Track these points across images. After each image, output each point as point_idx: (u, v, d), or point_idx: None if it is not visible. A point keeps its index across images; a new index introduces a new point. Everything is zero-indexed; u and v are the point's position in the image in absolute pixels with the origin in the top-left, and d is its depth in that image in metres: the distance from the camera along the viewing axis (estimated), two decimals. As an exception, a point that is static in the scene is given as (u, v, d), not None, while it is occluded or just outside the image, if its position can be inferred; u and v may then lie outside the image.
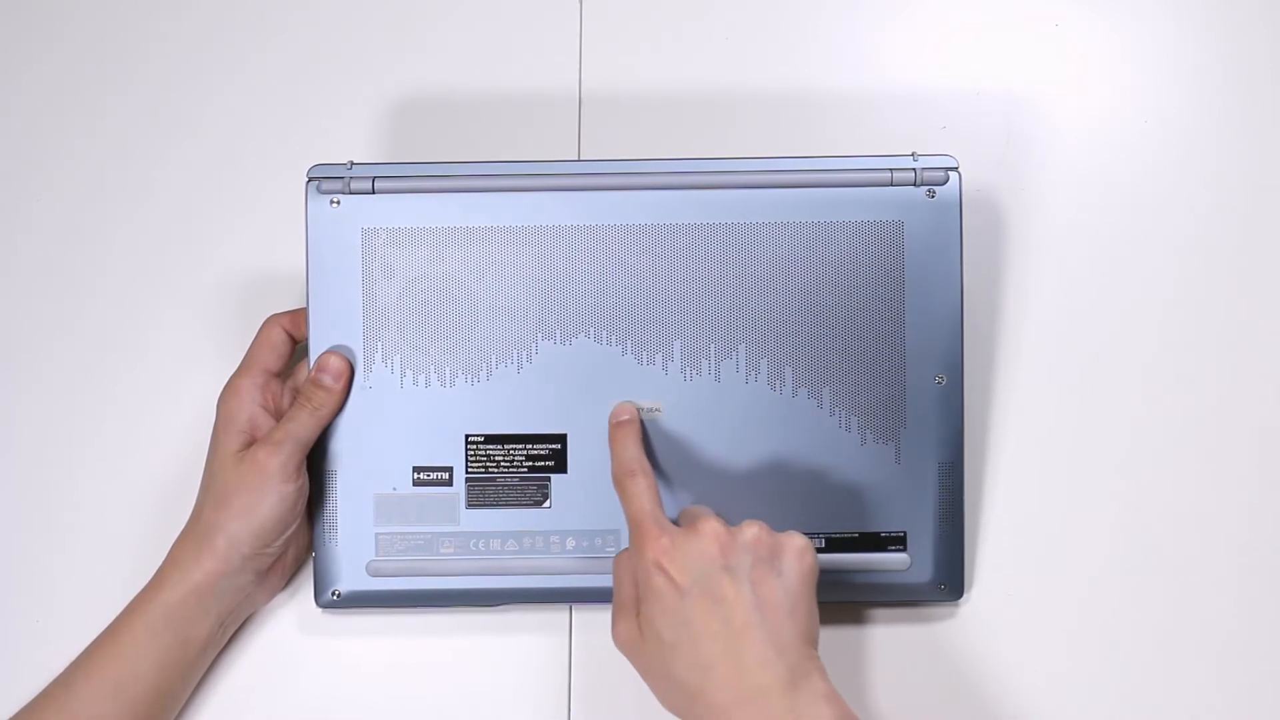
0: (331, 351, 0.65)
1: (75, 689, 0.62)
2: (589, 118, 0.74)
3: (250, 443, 0.64)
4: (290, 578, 0.69)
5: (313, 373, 0.65)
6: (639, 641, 0.59)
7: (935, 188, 0.65)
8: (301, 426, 0.64)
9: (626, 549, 0.61)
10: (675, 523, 0.61)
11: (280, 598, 0.69)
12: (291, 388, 0.67)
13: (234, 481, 0.63)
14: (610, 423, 0.65)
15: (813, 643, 0.59)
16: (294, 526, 0.64)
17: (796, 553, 0.59)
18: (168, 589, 0.63)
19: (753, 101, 0.74)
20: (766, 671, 0.56)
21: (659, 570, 0.58)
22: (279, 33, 0.76)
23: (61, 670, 0.63)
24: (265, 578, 0.66)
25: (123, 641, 0.62)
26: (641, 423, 0.65)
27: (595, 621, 0.68)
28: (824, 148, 0.71)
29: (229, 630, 0.66)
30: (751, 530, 0.59)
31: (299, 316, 0.67)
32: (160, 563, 0.64)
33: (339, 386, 0.65)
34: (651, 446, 0.65)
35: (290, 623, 0.69)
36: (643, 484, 0.61)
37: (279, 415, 0.65)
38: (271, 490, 0.62)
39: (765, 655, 0.56)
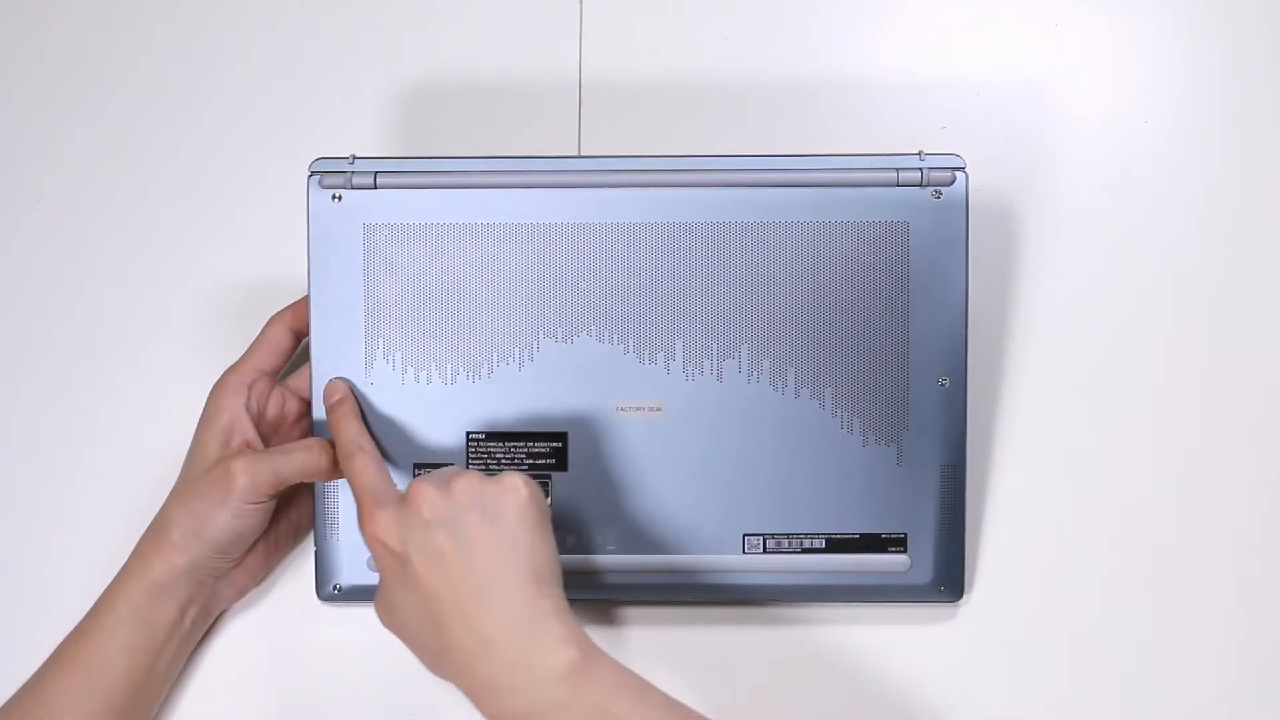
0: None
1: (49, 678, 0.62)
2: (589, 104, 0.74)
3: (226, 443, 0.63)
4: (263, 578, 0.68)
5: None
6: (388, 617, 0.59)
7: (941, 188, 0.65)
8: (290, 464, 0.63)
9: None
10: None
11: (282, 589, 0.68)
12: (281, 388, 0.67)
13: (201, 485, 0.62)
14: (325, 405, 0.65)
15: (544, 580, 0.58)
16: (251, 543, 0.64)
17: (509, 492, 0.58)
18: (131, 579, 0.63)
19: (751, 101, 0.74)
20: (492, 621, 0.56)
21: (379, 543, 0.58)
22: (275, 20, 0.75)
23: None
24: (230, 576, 0.65)
25: (90, 629, 0.62)
26: (355, 398, 0.65)
27: (596, 616, 0.68)
28: (823, 147, 0.70)
29: (200, 624, 0.65)
30: (459, 482, 0.58)
31: (302, 309, 0.66)
32: None
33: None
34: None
35: (293, 613, 0.69)
36: (360, 462, 0.61)
37: (260, 418, 0.65)
38: (230, 506, 0.62)
39: (488, 604, 0.56)
